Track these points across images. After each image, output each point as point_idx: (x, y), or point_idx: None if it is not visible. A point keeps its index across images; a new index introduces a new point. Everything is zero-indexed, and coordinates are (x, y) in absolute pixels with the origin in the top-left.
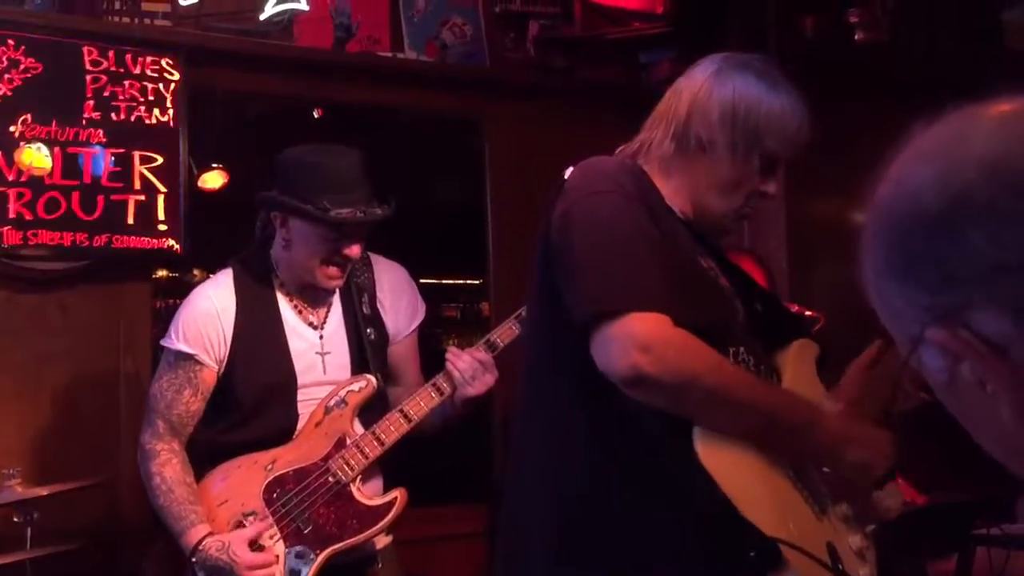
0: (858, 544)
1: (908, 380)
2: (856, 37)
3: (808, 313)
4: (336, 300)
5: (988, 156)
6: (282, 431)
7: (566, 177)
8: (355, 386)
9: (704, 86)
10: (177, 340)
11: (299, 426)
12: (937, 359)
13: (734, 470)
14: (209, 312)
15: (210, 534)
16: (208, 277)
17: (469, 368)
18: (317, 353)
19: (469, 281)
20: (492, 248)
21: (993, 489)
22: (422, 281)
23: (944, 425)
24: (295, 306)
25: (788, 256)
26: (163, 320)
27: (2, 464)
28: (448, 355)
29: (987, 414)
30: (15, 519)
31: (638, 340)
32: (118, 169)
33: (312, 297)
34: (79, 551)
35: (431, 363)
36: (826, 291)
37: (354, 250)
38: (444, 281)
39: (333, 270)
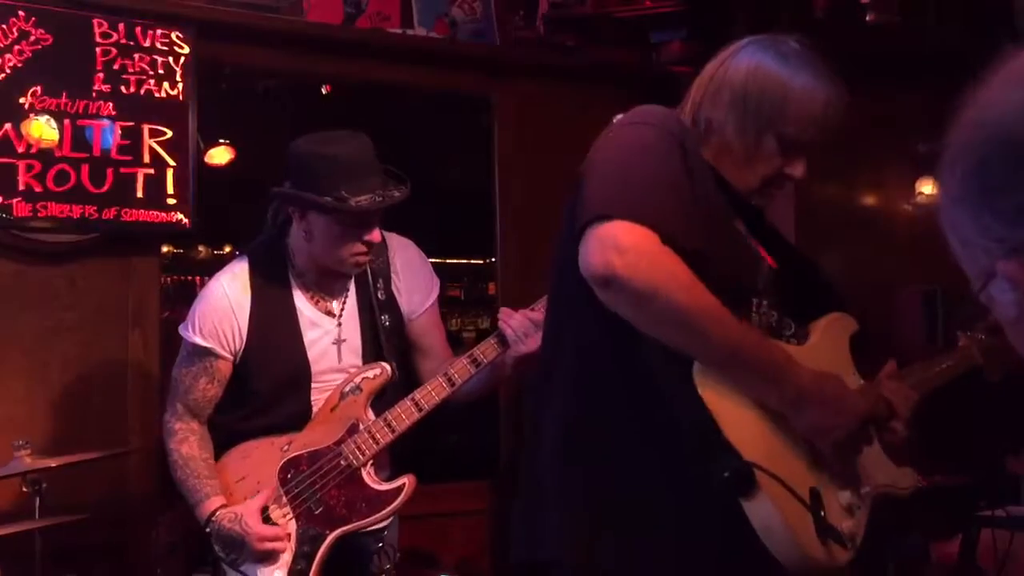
0: (848, 500)
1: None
2: (867, 18)
3: None
4: (352, 287)
5: None
6: (296, 418)
7: (616, 119)
8: (370, 373)
9: (722, 67)
10: (193, 333)
11: (313, 412)
12: (1007, 293)
13: (727, 400)
14: (224, 307)
15: (223, 506)
16: (213, 254)
17: (521, 326)
18: (334, 342)
19: (473, 261)
20: (500, 228)
21: (992, 474)
22: None
23: (944, 412)
24: (311, 296)
25: (797, 237)
26: (168, 297)
27: (11, 435)
28: (500, 314)
29: None
30: (24, 489)
31: (617, 242)
32: (127, 142)
33: (329, 285)
34: (87, 521)
35: None
36: (835, 272)
37: (374, 235)
38: (448, 261)
39: (360, 258)
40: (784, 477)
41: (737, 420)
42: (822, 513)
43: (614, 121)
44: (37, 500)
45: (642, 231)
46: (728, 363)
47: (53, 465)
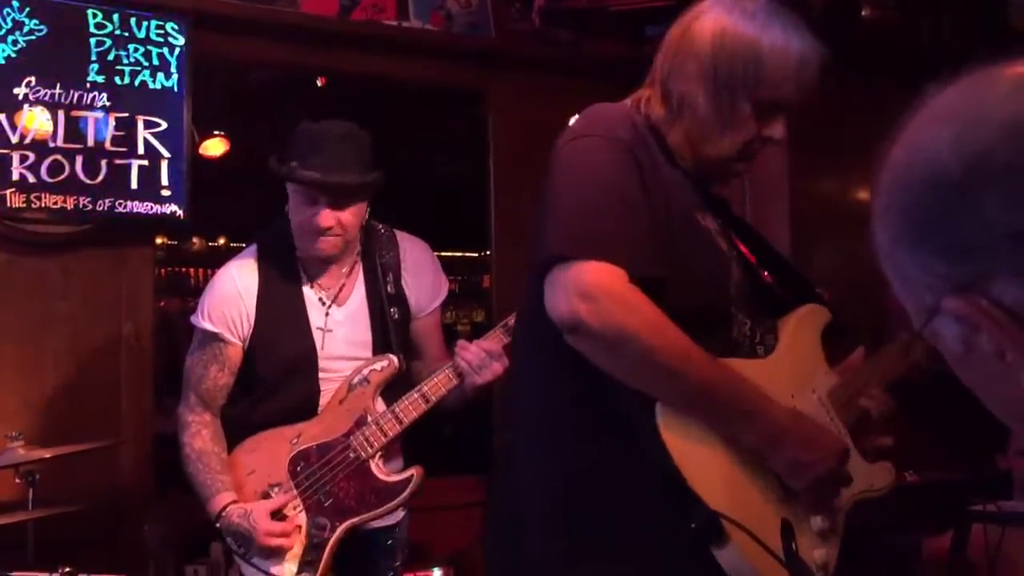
0: (819, 525)
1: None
2: (863, 13)
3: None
4: (360, 277)
5: (1007, 120)
6: (304, 406)
7: (571, 122)
8: (378, 365)
9: (686, 35)
10: (203, 319)
11: (321, 401)
12: (952, 329)
13: (692, 443)
14: (232, 292)
15: (234, 502)
16: (207, 246)
17: (476, 359)
18: (331, 328)
19: (468, 254)
20: (494, 220)
21: (983, 467)
22: None
23: (934, 403)
24: (314, 281)
25: (791, 233)
26: (162, 288)
27: (4, 427)
28: (457, 347)
29: (1005, 383)
30: (17, 481)
31: (583, 288)
32: (121, 133)
33: (331, 272)
34: (80, 513)
35: None
36: (828, 268)
37: (322, 216)
38: (443, 254)
39: (316, 239)
40: (753, 518)
41: (702, 464)
42: (793, 546)
43: (569, 124)
44: (30, 491)
45: (606, 271)
46: (701, 406)
47: (46, 456)
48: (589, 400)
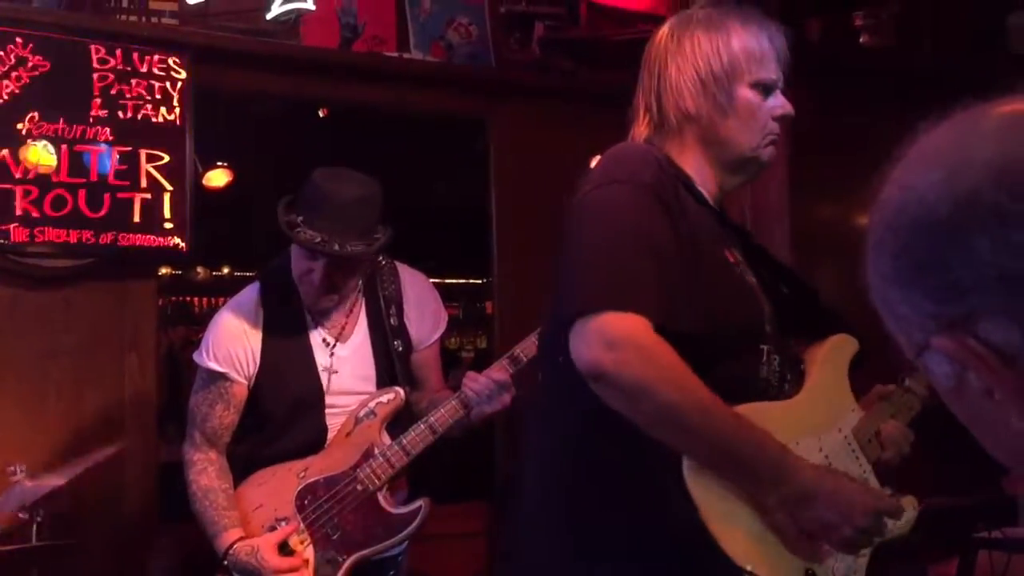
0: (844, 571)
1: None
2: (861, 40)
3: None
4: (362, 312)
5: (994, 159)
6: (311, 442)
7: (592, 165)
8: (384, 398)
9: (664, 67)
10: (208, 359)
11: (328, 437)
12: (943, 366)
13: (719, 493)
14: (236, 331)
15: (241, 538)
16: (211, 275)
17: (484, 390)
18: (336, 368)
19: (471, 281)
20: (496, 247)
21: (988, 493)
22: None
23: (940, 430)
24: (318, 320)
25: (792, 258)
26: (166, 319)
27: (7, 460)
28: (465, 379)
29: (994, 420)
30: (20, 514)
31: (607, 337)
32: (124, 167)
33: (327, 310)
34: (84, 545)
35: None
36: (830, 293)
37: (320, 278)
38: (446, 280)
39: (305, 288)
40: (778, 570)
41: (728, 516)
42: None
43: (591, 166)
44: (34, 524)
45: (632, 322)
46: (722, 464)
47: (49, 488)
48: (612, 450)
